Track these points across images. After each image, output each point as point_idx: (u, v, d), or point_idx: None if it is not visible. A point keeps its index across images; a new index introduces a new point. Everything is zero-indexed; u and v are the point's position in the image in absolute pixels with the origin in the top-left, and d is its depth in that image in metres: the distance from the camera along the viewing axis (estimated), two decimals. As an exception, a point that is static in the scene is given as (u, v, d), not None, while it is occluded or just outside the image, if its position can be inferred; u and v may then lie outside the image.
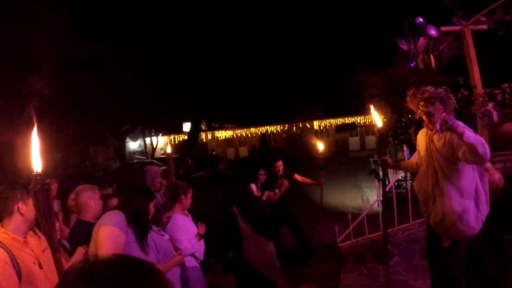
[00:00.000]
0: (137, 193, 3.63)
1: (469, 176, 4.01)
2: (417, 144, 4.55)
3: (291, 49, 35.11)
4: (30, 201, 3.03)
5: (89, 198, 4.11)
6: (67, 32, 19.33)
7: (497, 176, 4.51)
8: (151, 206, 3.69)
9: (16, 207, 3.02)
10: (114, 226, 3.28)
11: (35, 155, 2.68)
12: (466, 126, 3.65)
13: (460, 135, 3.57)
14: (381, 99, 11.31)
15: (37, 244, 3.19)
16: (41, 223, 2.79)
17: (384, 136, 4.45)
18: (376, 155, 4.44)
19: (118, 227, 3.29)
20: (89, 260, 1.20)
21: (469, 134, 3.56)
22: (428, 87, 4.16)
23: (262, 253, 5.29)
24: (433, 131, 4.13)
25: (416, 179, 4.50)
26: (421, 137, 4.45)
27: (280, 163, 7.96)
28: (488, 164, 4.45)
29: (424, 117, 4.21)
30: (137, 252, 3.41)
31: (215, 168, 29.03)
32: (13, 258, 2.92)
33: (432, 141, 4.21)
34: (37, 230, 3.30)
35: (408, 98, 4.36)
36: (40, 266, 3.09)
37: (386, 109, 10.87)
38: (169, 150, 6.78)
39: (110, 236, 3.24)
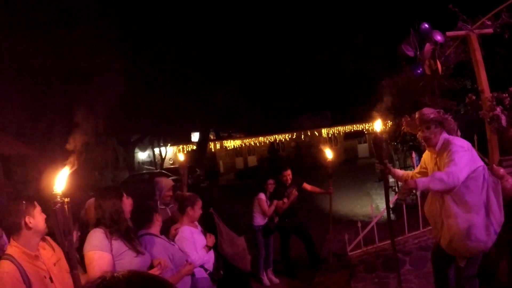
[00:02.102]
0: (106, 197, 3.59)
1: (477, 189, 3.94)
2: (423, 162, 4.63)
3: (298, 57, 35.11)
4: (37, 213, 3.05)
5: None
6: (76, 44, 19.50)
7: (511, 182, 4.41)
8: (124, 205, 3.64)
9: (23, 222, 3.01)
10: (93, 249, 3.32)
11: (61, 180, 2.76)
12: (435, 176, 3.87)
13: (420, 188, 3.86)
14: (389, 105, 11.27)
15: (49, 256, 3.19)
16: (61, 241, 2.83)
17: (380, 141, 4.45)
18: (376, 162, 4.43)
19: (98, 249, 3.32)
20: (106, 277, 1.24)
21: (432, 185, 3.84)
22: (424, 110, 4.27)
23: (233, 246, 5.94)
24: (436, 154, 4.26)
25: (426, 203, 4.49)
26: (427, 158, 4.53)
27: (288, 172, 7.94)
28: (501, 170, 4.44)
29: (422, 141, 4.38)
30: (133, 259, 3.45)
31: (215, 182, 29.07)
32: (23, 273, 2.92)
33: (436, 163, 4.28)
34: (51, 241, 3.33)
35: (404, 125, 4.57)
36: (51, 280, 3.08)
37: (394, 115, 10.82)
38: (181, 158, 6.54)
39: (93, 261, 3.28)
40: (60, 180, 2.80)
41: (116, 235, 3.45)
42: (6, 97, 15.98)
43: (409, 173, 4.86)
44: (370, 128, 35.93)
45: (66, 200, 2.75)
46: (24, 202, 3.08)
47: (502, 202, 4.04)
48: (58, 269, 3.16)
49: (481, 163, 4.04)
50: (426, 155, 4.53)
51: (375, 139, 4.65)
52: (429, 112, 4.23)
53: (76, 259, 2.92)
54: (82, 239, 4.04)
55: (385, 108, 11.66)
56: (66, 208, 2.77)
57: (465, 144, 4.04)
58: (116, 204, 3.55)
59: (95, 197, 3.67)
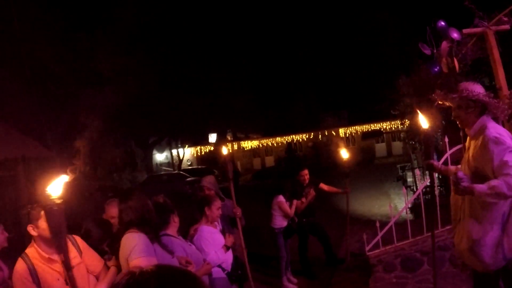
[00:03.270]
0: (135, 196, 3.50)
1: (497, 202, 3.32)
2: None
3: (314, 57, 35.04)
4: (41, 221, 3.09)
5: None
6: (92, 47, 19.75)
7: None
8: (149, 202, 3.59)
9: (29, 229, 3.10)
10: (141, 256, 3.15)
11: (57, 185, 2.78)
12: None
13: (476, 195, 3.25)
14: (406, 104, 11.19)
15: (71, 258, 3.23)
16: (54, 242, 2.85)
17: (431, 138, 3.99)
18: (423, 159, 3.98)
19: (146, 255, 3.18)
20: (135, 273, 1.25)
21: (482, 191, 3.21)
22: (470, 86, 3.60)
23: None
24: (471, 138, 3.68)
25: (452, 194, 3.84)
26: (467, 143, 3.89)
27: (306, 171, 7.94)
28: None
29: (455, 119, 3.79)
30: (171, 261, 3.46)
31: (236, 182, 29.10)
32: (33, 272, 3.01)
33: (469, 148, 3.72)
34: (80, 243, 3.42)
35: (437, 96, 3.90)
36: (67, 283, 3.14)
37: (411, 114, 10.75)
38: (225, 152, 6.32)
39: None
40: (57, 185, 2.81)
41: (151, 236, 3.37)
42: (27, 100, 16.21)
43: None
44: (387, 127, 35.69)
45: (59, 202, 2.77)
46: (29, 210, 3.11)
47: None
48: (76, 272, 3.20)
49: None
50: (467, 141, 3.87)
51: (425, 136, 4.25)
52: (467, 87, 3.60)
53: (69, 260, 2.93)
54: (111, 240, 4.09)
55: (402, 106, 11.59)
56: (59, 210, 2.79)
57: (508, 136, 3.39)
58: (146, 203, 3.51)
59: (121, 198, 3.57)
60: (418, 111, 4.18)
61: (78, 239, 3.49)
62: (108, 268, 3.60)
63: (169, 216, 3.97)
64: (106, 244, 4.06)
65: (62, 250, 2.87)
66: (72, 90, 18.91)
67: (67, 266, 2.88)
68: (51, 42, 17.90)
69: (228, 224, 5.69)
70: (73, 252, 3.30)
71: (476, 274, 3.69)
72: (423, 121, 3.98)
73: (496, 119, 3.61)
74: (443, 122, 9.48)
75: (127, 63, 21.31)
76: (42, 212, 3.02)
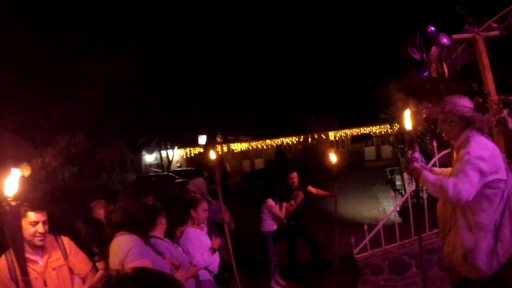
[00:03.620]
0: (124, 198, 3.44)
1: (490, 207, 3.37)
2: None
3: (304, 60, 35.15)
4: (24, 222, 3.08)
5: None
6: (83, 48, 19.67)
7: None
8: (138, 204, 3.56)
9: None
10: (139, 259, 3.13)
11: (11, 183, 2.73)
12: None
13: (421, 180, 3.48)
14: (395, 108, 11.26)
15: (54, 260, 3.28)
16: (10, 245, 2.84)
17: (414, 139, 3.90)
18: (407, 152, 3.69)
19: (145, 257, 3.18)
20: (112, 277, 1.24)
21: (428, 177, 3.42)
22: (457, 100, 3.61)
23: None
24: (456, 148, 3.71)
25: (439, 201, 3.86)
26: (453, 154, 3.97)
27: (294, 174, 7.95)
28: None
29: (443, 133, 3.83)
30: (162, 262, 3.45)
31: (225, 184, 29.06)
32: (12, 270, 3.04)
33: (456, 160, 3.71)
34: (68, 246, 3.42)
35: (425, 111, 4.03)
36: (45, 283, 3.17)
37: (401, 118, 10.81)
38: (213, 156, 6.23)
39: None
40: (11, 183, 2.75)
41: (143, 238, 3.34)
42: (16, 100, 16.13)
43: (449, 170, 3.90)
44: (377, 131, 35.89)
45: (14, 203, 2.73)
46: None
47: None
48: (56, 274, 3.24)
49: (505, 177, 3.41)
50: (454, 154, 3.88)
51: (410, 136, 4.04)
52: (453, 101, 3.61)
53: (25, 265, 2.86)
54: (97, 240, 4.03)
55: (392, 110, 11.66)
56: (16, 212, 2.77)
57: (487, 150, 3.41)
58: (136, 204, 3.47)
59: (109, 199, 3.48)
60: (406, 112, 4.14)
61: (65, 240, 3.47)
62: (97, 270, 3.58)
63: (157, 218, 3.95)
64: (96, 245, 4.01)
65: (17, 254, 2.83)
66: (61, 90, 18.82)
67: (23, 270, 2.83)
68: (42, 42, 17.82)
69: (215, 230, 5.58)
70: (56, 254, 3.30)
71: (467, 281, 3.61)
72: (408, 122, 3.96)
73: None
74: (432, 126, 9.54)
75: (117, 64, 21.24)
76: None
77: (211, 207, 5.50)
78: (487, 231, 3.36)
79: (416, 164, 3.51)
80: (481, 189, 3.30)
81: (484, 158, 3.31)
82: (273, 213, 7.58)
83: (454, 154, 3.78)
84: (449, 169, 3.87)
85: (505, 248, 3.34)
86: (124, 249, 3.15)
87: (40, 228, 3.17)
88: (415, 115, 4.36)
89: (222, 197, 5.79)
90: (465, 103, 3.58)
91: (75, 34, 19.35)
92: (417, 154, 3.54)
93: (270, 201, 7.62)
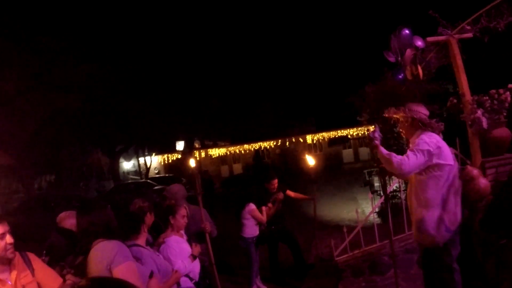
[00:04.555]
0: (97, 208, 3.48)
1: (436, 185, 4.20)
2: None
3: (281, 64, 35.33)
4: None
5: (74, 226, 3.98)
6: (60, 54, 19.41)
7: (483, 184, 4.49)
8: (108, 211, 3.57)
9: None
10: (130, 261, 3.22)
11: None
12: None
13: (379, 154, 4.28)
14: (372, 110, 11.36)
15: (22, 277, 3.17)
16: None
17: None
18: (375, 165, 4.70)
19: (130, 259, 3.23)
20: None
21: (383, 152, 4.23)
22: (412, 106, 4.49)
23: None
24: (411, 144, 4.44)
25: (408, 189, 4.71)
26: None
27: (276, 180, 7.95)
28: (475, 172, 4.53)
29: (402, 131, 4.72)
30: (140, 267, 3.44)
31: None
32: None
33: None
34: (35, 262, 3.30)
35: (387, 112, 4.71)
36: None
37: (378, 120, 10.91)
38: (193, 164, 6.27)
39: (135, 273, 3.20)
40: None
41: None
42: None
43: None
44: (354, 134, 36.18)
45: None
46: None
47: (460, 201, 4.30)
48: None
49: (451, 162, 4.25)
50: None
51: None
52: (410, 108, 4.48)
53: None
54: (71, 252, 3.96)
55: (369, 113, 11.77)
56: None
57: (433, 141, 4.22)
58: (110, 213, 3.49)
59: (84, 211, 3.48)
60: (378, 122, 4.96)
61: (31, 256, 3.34)
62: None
63: (140, 225, 3.92)
64: (71, 257, 3.93)
65: None
66: (36, 97, 18.52)
67: None
68: (15, 46, 17.53)
69: (196, 239, 5.42)
70: (24, 271, 3.19)
71: (425, 251, 4.46)
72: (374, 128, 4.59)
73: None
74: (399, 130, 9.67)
75: (93, 70, 21.04)
76: None
77: (192, 216, 5.47)
78: (434, 205, 4.20)
79: (376, 142, 4.31)
80: (430, 171, 4.18)
81: (430, 144, 4.16)
82: (256, 217, 7.54)
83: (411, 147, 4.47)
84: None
85: (451, 217, 4.20)
86: (110, 254, 3.15)
87: (8, 239, 3.08)
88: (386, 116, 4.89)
89: (207, 205, 5.72)
90: (419, 109, 4.45)
91: (49, 39, 19.05)
92: (377, 134, 4.35)
93: (252, 205, 7.58)
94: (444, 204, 4.19)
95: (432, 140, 4.22)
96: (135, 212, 3.92)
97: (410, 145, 4.45)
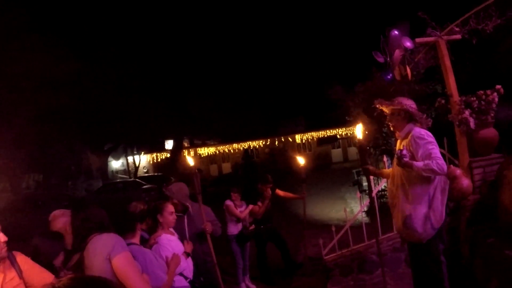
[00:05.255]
0: (89, 206, 3.53)
1: (425, 184, 4.28)
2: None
3: (270, 63, 35.32)
4: None
5: (67, 224, 3.98)
6: (47, 51, 19.24)
7: (466, 184, 4.66)
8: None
9: None
10: (126, 251, 3.25)
11: None
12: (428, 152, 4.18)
13: (414, 169, 4.16)
14: (361, 111, 11.42)
15: (7, 281, 3.11)
16: None
17: (364, 147, 4.59)
18: (360, 165, 4.69)
19: (127, 249, 3.28)
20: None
21: (418, 166, 4.13)
22: (398, 98, 4.57)
23: None
24: (400, 139, 4.59)
25: (388, 182, 4.86)
26: (397, 144, 4.76)
27: (271, 186, 7.97)
28: (458, 172, 4.71)
29: (390, 124, 4.73)
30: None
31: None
32: None
33: (397, 147, 4.60)
34: (14, 262, 3.22)
35: (378, 102, 4.78)
36: None
37: (367, 120, 10.97)
38: (191, 163, 5.84)
39: (128, 262, 3.21)
40: None
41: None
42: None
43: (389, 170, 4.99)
44: (343, 133, 36.27)
45: None
46: None
47: (446, 200, 4.35)
48: None
49: None
50: (398, 144, 4.74)
51: (360, 145, 5.00)
52: (400, 101, 4.52)
53: None
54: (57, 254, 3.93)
55: (357, 113, 11.83)
56: None
57: (430, 134, 4.33)
58: (102, 211, 3.50)
59: (79, 208, 3.51)
60: (357, 122, 4.99)
61: (18, 256, 3.24)
62: None
63: (136, 225, 3.91)
64: (63, 259, 3.89)
65: None
66: (24, 95, 18.37)
67: None
68: (2, 44, 17.37)
69: (197, 239, 5.40)
70: (11, 273, 3.10)
71: (412, 246, 4.54)
72: (359, 131, 4.69)
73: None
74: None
75: (81, 68, 20.90)
76: None
77: (192, 218, 5.45)
78: (421, 202, 4.27)
79: (406, 159, 4.20)
80: None
81: (430, 136, 4.28)
82: (231, 212, 7.58)
83: (398, 143, 4.64)
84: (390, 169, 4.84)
85: (437, 215, 4.25)
86: (108, 244, 3.20)
87: (2, 237, 3.05)
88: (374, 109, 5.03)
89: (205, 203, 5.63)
90: (409, 103, 4.49)
91: (37, 36, 18.89)
92: (405, 151, 4.27)
93: (228, 201, 7.63)
94: (431, 202, 4.26)
95: (428, 133, 4.33)
96: (131, 212, 3.92)
97: (398, 136, 4.61)
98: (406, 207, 4.36)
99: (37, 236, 4.11)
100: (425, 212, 4.25)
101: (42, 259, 3.59)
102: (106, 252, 3.15)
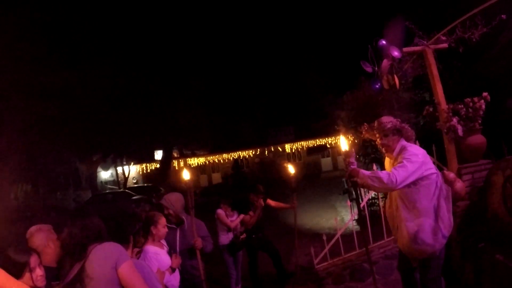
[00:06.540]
0: (87, 216, 3.49)
1: (428, 196, 4.20)
2: (386, 169, 4.71)
3: (259, 73, 35.41)
4: None
5: (48, 240, 3.74)
6: (36, 61, 19.16)
7: (459, 185, 4.65)
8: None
9: None
10: (130, 259, 3.27)
11: None
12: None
13: (360, 177, 4.12)
14: (350, 119, 11.47)
15: None
16: None
17: (350, 154, 4.57)
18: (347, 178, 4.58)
19: (130, 258, 3.28)
20: None
21: (365, 173, 4.10)
22: (382, 119, 4.58)
23: None
24: (393, 159, 4.49)
25: (386, 206, 4.80)
26: (387, 164, 4.75)
27: (261, 197, 7.97)
28: (451, 175, 4.64)
29: (382, 148, 4.64)
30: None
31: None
32: None
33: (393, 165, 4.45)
34: None
35: (363, 132, 4.90)
36: None
37: (356, 129, 11.02)
38: (187, 176, 5.77)
39: (134, 270, 3.21)
40: None
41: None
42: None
43: None
44: (332, 142, 36.40)
45: None
46: None
47: (451, 207, 4.30)
48: None
49: (435, 171, 4.26)
50: (387, 162, 4.74)
51: (346, 154, 4.73)
52: (387, 120, 4.52)
53: None
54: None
55: (346, 122, 11.87)
56: None
57: (420, 152, 4.26)
58: (99, 221, 3.46)
59: (77, 218, 3.42)
60: (340, 133, 4.99)
61: None
62: None
63: (130, 237, 3.89)
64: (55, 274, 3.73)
65: None
66: (11, 104, 18.25)
67: None
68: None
69: (187, 254, 5.29)
70: None
71: (423, 262, 4.35)
72: (343, 143, 4.52)
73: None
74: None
75: (70, 78, 20.82)
76: None
77: (185, 232, 5.35)
78: (428, 215, 4.18)
79: (352, 167, 4.23)
80: (419, 181, 4.15)
81: (418, 154, 4.18)
82: (222, 221, 7.58)
83: (393, 161, 4.52)
84: None
85: (445, 223, 4.18)
86: (114, 253, 3.19)
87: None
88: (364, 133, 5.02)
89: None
90: (389, 120, 4.51)
91: (27, 45, 18.81)
92: (352, 159, 4.28)
93: (219, 210, 7.64)
94: (437, 211, 4.19)
95: (419, 150, 4.27)
96: (122, 222, 3.91)
97: (390, 156, 4.57)
98: (410, 225, 4.25)
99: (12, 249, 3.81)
100: (433, 223, 4.18)
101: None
102: (112, 261, 3.13)
